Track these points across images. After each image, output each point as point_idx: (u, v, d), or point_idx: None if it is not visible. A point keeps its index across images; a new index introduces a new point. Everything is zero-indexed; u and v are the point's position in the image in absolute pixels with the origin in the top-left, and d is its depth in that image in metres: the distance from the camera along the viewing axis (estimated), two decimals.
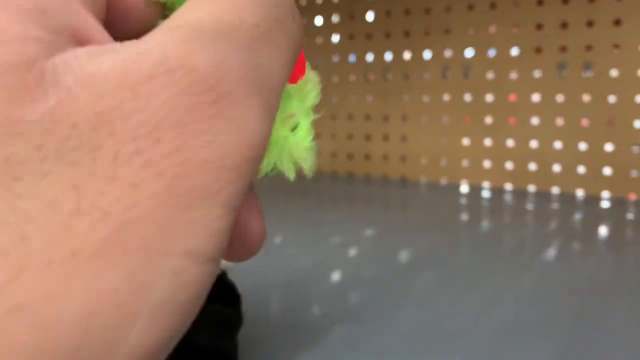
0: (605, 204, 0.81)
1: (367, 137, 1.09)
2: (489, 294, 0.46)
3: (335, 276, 0.52)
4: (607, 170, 0.87)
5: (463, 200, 0.86)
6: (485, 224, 0.71)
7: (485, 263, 0.55)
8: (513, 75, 0.93)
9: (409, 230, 0.68)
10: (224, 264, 0.35)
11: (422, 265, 0.54)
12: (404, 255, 0.57)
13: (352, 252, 0.59)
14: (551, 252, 0.57)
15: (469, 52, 0.96)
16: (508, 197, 0.87)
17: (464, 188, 0.96)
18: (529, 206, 0.80)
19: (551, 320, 0.40)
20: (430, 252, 0.59)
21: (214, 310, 0.33)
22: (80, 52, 0.12)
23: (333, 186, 0.99)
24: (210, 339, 0.31)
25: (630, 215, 0.74)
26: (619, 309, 0.42)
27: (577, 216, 0.74)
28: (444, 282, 0.49)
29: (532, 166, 0.93)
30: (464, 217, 0.75)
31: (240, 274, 0.53)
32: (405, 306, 0.44)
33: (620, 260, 0.54)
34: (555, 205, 0.81)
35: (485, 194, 0.91)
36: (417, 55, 1.01)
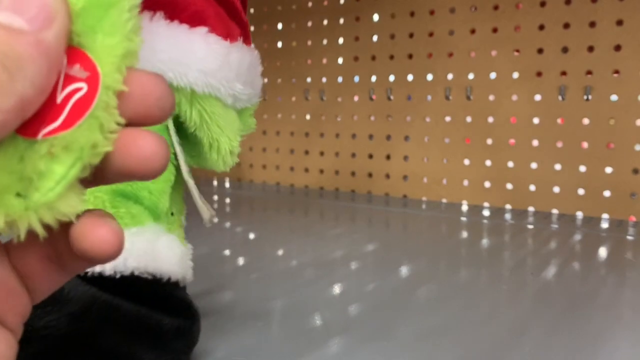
0: (604, 226, 0.79)
1: (370, 156, 1.07)
2: (487, 311, 0.44)
3: (336, 289, 0.50)
4: (606, 193, 0.86)
5: (463, 220, 0.84)
6: (484, 242, 0.69)
7: (484, 281, 0.53)
8: (514, 98, 0.92)
9: (409, 247, 0.67)
10: (180, 276, 0.32)
11: (422, 280, 0.52)
12: (404, 271, 0.56)
13: (353, 266, 0.58)
14: (550, 272, 0.55)
15: (471, 75, 0.95)
16: (508, 217, 0.86)
17: (464, 208, 0.94)
18: (529, 227, 0.79)
19: (549, 338, 0.39)
20: (429, 269, 0.57)
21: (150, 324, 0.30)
22: None
23: (336, 203, 0.98)
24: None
25: (629, 238, 0.72)
26: (617, 328, 0.41)
27: (577, 238, 0.72)
28: (442, 297, 0.48)
29: (532, 187, 0.92)
30: (464, 235, 0.73)
31: (242, 284, 0.52)
32: (404, 320, 0.42)
33: (619, 281, 0.53)
34: (554, 227, 0.79)
35: (486, 213, 0.89)
36: (420, 77, 1.01)
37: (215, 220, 0.35)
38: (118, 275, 0.29)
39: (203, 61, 0.32)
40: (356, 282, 0.52)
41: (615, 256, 0.62)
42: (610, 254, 0.63)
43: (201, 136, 0.34)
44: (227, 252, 0.65)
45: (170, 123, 0.33)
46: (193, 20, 0.33)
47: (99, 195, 0.31)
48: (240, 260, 0.60)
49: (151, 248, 0.31)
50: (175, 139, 0.33)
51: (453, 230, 0.77)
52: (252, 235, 0.73)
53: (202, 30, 0.33)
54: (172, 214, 0.35)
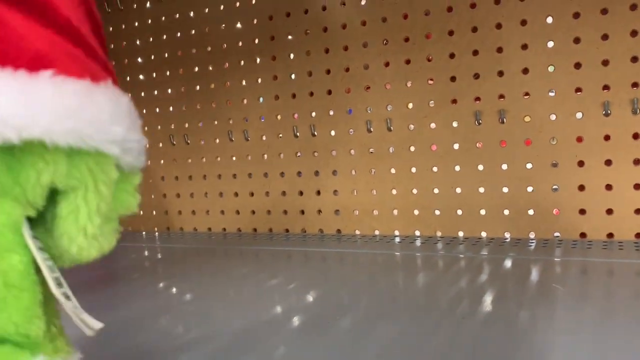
0: (532, 247, 0.80)
1: (301, 193, 1.06)
2: (435, 345, 0.43)
3: (281, 352, 0.48)
4: (530, 212, 0.87)
5: (397, 255, 0.83)
6: (420, 281, 0.68)
7: (425, 328, 0.52)
8: (432, 126, 0.93)
9: (347, 295, 0.65)
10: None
11: (365, 336, 0.51)
12: (345, 324, 0.54)
13: (295, 322, 0.55)
14: (484, 310, 0.55)
15: (390, 107, 0.95)
16: (439, 247, 0.86)
17: (397, 240, 0.94)
18: (460, 256, 0.79)
19: None
20: (370, 322, 0.55)
21: None
22: None
23: (270, 246, 0.95)
24: None
25: (556, 259, 0.73)
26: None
27: (507, 264, 0.73)
28: (388, 353, 0.46)
29: (460, 212, 0.92)
30: (400, 276, 0.73)
31: (174, 337, 0.48)
32: None
33: (552, 316, 0.53)
34: (484, 254, 0.79)
35: (418, 244, 0.89)
36: (341, 112, 1.00)
37: (98, 327, 0.30)
38: None
39: (53, 102, 0.25)
40: (299, 344, 0.50)
41: (545, 285, 0.63)
42: (540, 281, 0.64)
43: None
44: (162, 320, 0.61)
45: (26, 228, 0.28)
46: (34, 64, 0.26)
47: None
48: (179, 329, 0.57)
49: None
50: (36, 252, 0.28)
51: (388, 269, 0.76)
52: (188, 296, 0.69)
53: (46, 73, 0.26)
54: (54, 326, 0.31)
